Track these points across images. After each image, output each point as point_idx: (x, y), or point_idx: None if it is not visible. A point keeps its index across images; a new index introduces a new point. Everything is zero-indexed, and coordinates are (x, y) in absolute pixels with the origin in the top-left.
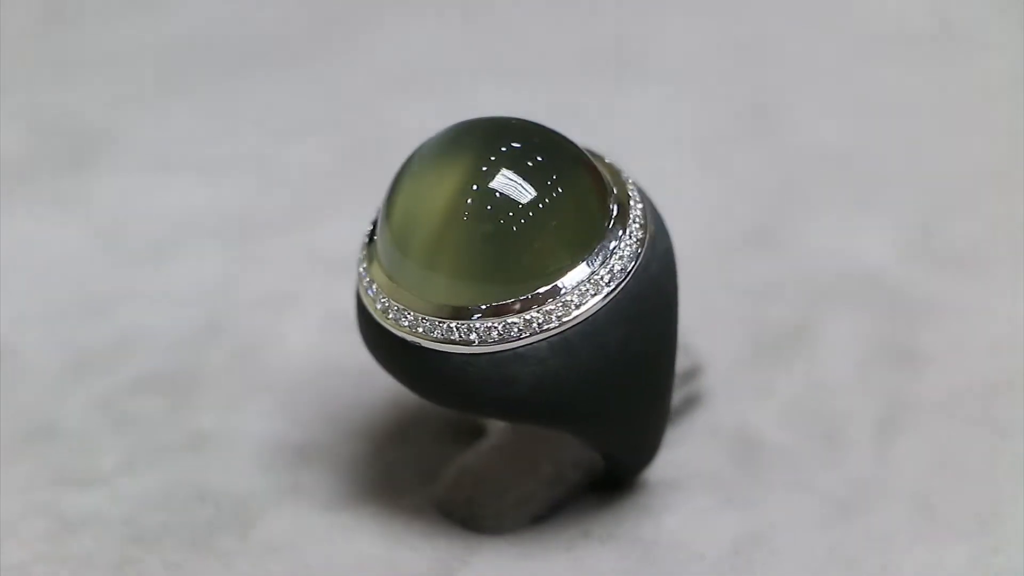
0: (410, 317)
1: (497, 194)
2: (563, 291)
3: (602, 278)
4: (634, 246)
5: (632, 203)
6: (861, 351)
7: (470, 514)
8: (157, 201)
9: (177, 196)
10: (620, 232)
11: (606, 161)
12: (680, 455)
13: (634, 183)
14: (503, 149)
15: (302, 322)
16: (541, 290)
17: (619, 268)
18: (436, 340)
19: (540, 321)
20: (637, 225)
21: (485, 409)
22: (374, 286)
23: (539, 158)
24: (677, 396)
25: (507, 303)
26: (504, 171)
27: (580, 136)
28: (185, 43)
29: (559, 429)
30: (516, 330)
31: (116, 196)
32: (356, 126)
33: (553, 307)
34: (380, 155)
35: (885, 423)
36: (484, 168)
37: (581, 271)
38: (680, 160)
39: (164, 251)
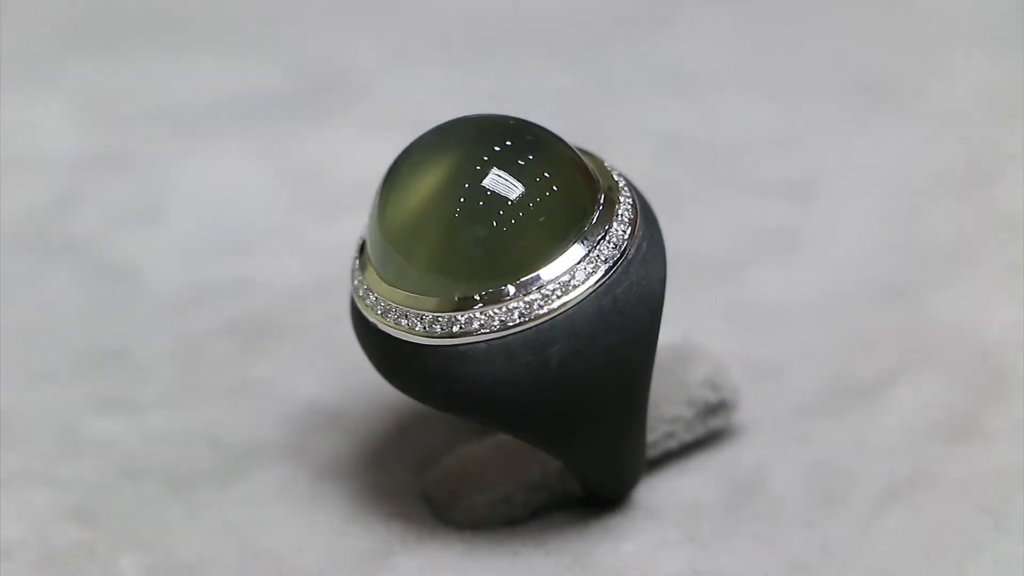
0: (372, 297)
1: (488, 192)
2: (507, 298)
3: (553, 292)
4: (597, 264)
5: (616, 224)
6: (920, 419)
7: (447, 505)
8: (361, 159)
9: (381, 158)
10: (587, 249)
11: (614, 178)
12: (678, 485)
13: (633, 203)
14: (496, 148)
15: None
16: (488, 292)
17: (574, 284)
18: (390, 324)
19: (482, 322)
20: (611, 245)
21: (429, 398)
22: (357, 261)
23: (530, 156)
24: (700, 429)
25: (454, 299)
26: (496, 169)
27: (800, 156)
28: (475, 14)
29: (511, 434)
30: (458, 327)
31: (326, 147)
32: (583, 119)
33: (496, 312)
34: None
35: (893, 493)
36: (478, 167)
37: (536, 280)
38: (881, 198)
39: (335, 207)
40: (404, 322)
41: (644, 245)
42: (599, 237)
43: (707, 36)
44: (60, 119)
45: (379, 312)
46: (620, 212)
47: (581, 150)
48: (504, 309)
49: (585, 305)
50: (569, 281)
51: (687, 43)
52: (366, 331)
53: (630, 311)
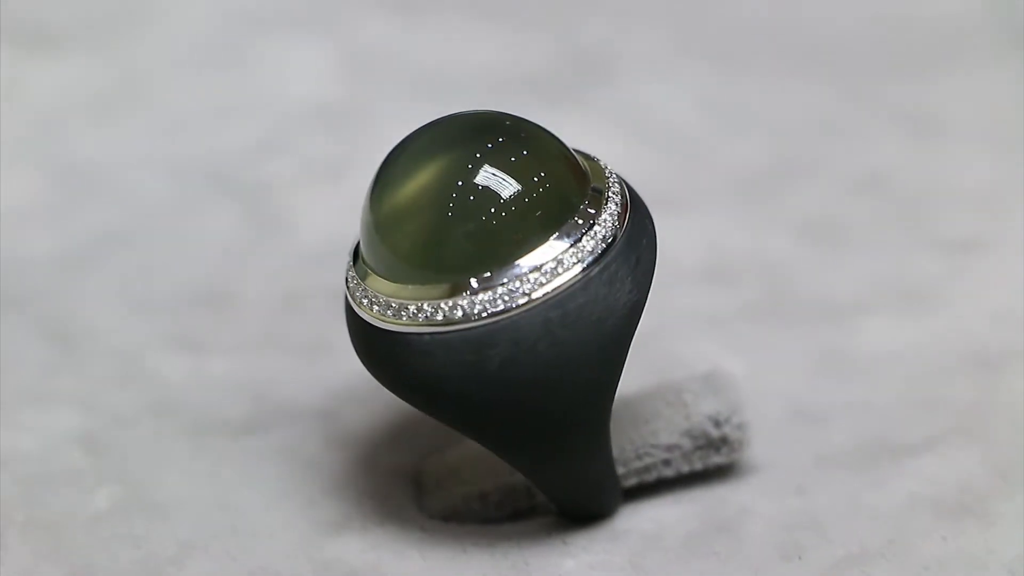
0: (350, 273)
1: (480, 188)
2: (456, 293)
3: (500, 296)
4: (554, 275)
5: (586, 239)
6: (930, 491)
7: (429, 492)
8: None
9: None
10: (550, 257)
11: (608, 194)
12: (660, 513)
13: (617, 220)
14: (489, 145)
15: None
16: (440, 286)
17: (524, 291)
18: (356, 302)
19: (428, 314)
20: (575, 259)
21: (383, 381)
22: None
23: (524, 152)
24: (698, 462)
25: (407, 287)
26: (487, 166)
27: (989, 214)
28: (751, 24)
29: (465, 435)
30: (406, 316)
31: None
32: (804, 143)
33: (443, 306)
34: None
35: (856, 559)
36: (469, 165)
37: (487, 280)
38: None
39: None
40: (365, 301)
41: (614, 266)
42: (566, 248)
43: (970, 86)
44: (312, 67)
45: (349, 287)
46: (595, 228)
47: (580, 152)
48: (449, 305)
49: (533, 313)
50: (519, 288)
51: (944, 89)
52: (347, 310)
53: (581, 328)
